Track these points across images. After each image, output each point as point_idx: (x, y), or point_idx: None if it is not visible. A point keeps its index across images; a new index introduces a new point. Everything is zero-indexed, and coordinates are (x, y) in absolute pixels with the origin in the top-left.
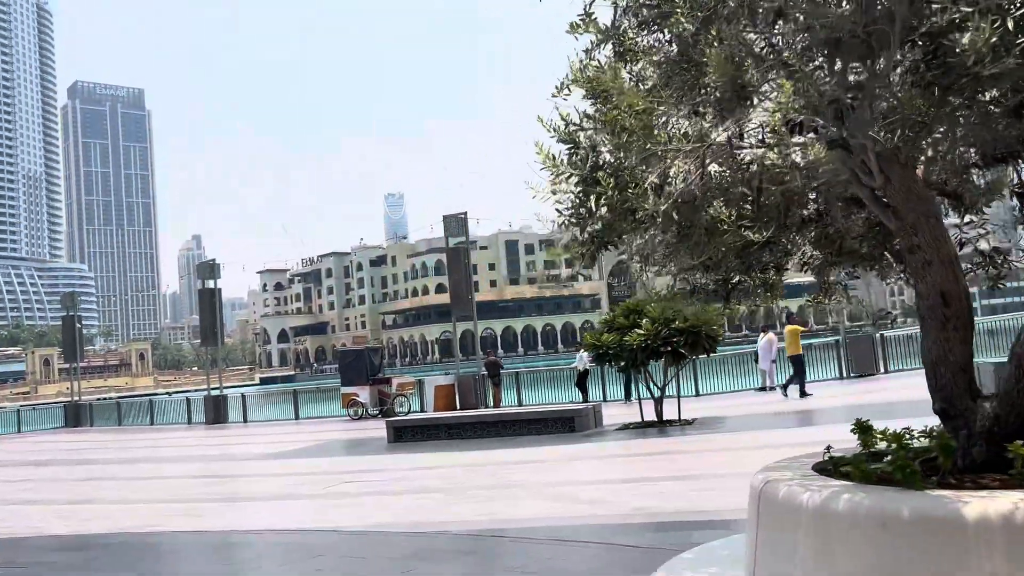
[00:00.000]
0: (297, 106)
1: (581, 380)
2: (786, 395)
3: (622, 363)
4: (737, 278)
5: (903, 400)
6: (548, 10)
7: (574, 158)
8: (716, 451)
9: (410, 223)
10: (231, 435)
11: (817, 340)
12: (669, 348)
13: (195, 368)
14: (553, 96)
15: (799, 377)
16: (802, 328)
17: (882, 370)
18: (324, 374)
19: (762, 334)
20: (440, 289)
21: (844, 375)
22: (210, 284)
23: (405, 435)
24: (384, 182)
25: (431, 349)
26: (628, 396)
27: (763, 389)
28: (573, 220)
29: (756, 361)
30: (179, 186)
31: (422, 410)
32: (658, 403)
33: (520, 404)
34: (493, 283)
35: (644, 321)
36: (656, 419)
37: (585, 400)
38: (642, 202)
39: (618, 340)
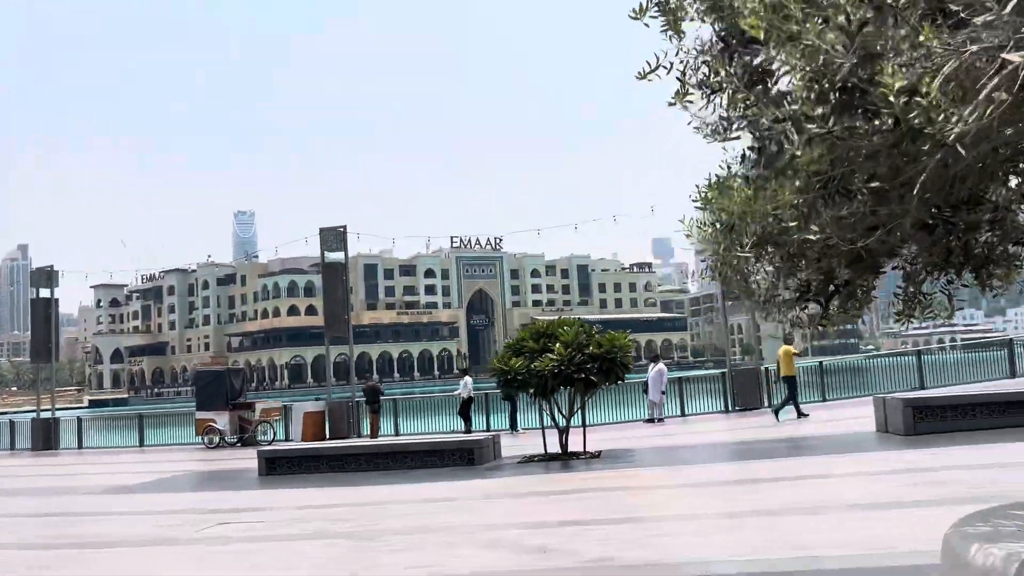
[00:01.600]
0: (142, 118)
1: (464, 408)
2: (779, 419)
3: (531, 390)
4: (847, 276)
5: (795, 436)
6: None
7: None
8: (644, 489)
9: (260, 242)
10: (68, 464)
11: (703, 372)
12: (583, 375)
13: (13, 388)
14: (633, 18)
15: (792, 399)
16: (794, 351)
17: (765, 404)
18: (162, 397)
19: (652, 364)
20: (292, 311)
21: (729, 408)
22: (45, 293)
23: (279, 467)
24: (235, 199)
25: (280, 374)
26: (514, 426)
27: (651, 421)
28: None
29: (645, 392)
30: (5, 193)
31: (286, 439)
32: (562, 434)
33: (397, 433)
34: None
35: (557, 345)
36: (561, 451)
37: (468, 430)
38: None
39: (526, 365)
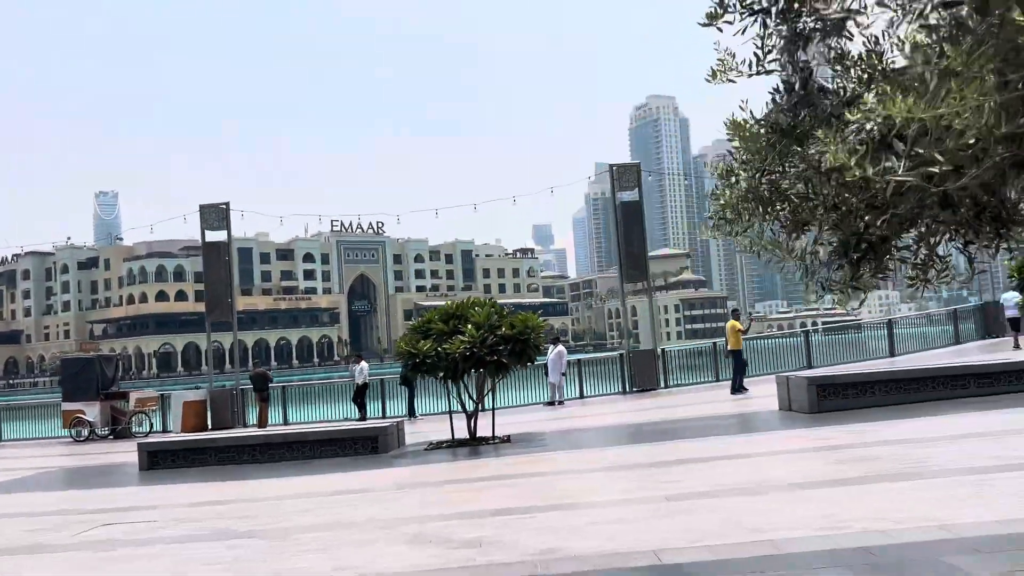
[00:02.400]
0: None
1: (359, 395)
2: (744, 391)
3: (440, 374)
4: (883, 233)
5: (703, 415)
6: None
7: None
8: (564, 473)
9: (124, 225)
10: None
11: (601, 354)
12: (495, 357)
13: None
14: None
15: (739, 373)
16: (740, 326)
17: (662, 385)
18: (17, 388)
19: (551, 347)
20: (161, 297)
21: (627, 390)
22: None
23: (162, 461)
24: (98, 178)
25: (148, 363)
26: (412, 412)
27: (551, 403)
28: None
29: (545, 374)
30: None
31: (164, 430)
32: (471, 419)
33: (286, 422)
34: None
35: (468, 327)
36: (469, 436)
37: (363, 417)
38: None
39: (435, 348)
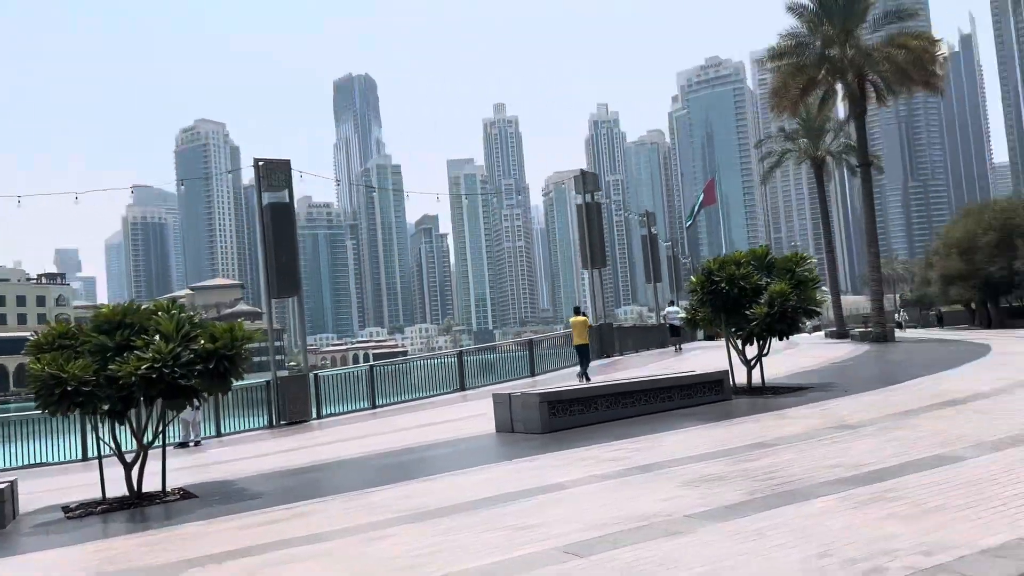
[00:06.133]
0: None
1: None
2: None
3: (106, 407)
4: None
5: (423, 444)
6: None
7: None
8: (384, 537)
9: None
10: None
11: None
12: (191, 381)
13: None
14: None
15: (585, 362)
16: (590, 322)
17: (314, 415)
18: None
19: None
20: None
21: (275, 423)
22: None
23: None
24: None
25: None
26: None
27: (184, 444)
28: None
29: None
30: None
31: None
32: (132, 467)
33: None
34: None
35: (157, 340)
36: (131, 493)
37: None
38: None
39: (97, 369)
